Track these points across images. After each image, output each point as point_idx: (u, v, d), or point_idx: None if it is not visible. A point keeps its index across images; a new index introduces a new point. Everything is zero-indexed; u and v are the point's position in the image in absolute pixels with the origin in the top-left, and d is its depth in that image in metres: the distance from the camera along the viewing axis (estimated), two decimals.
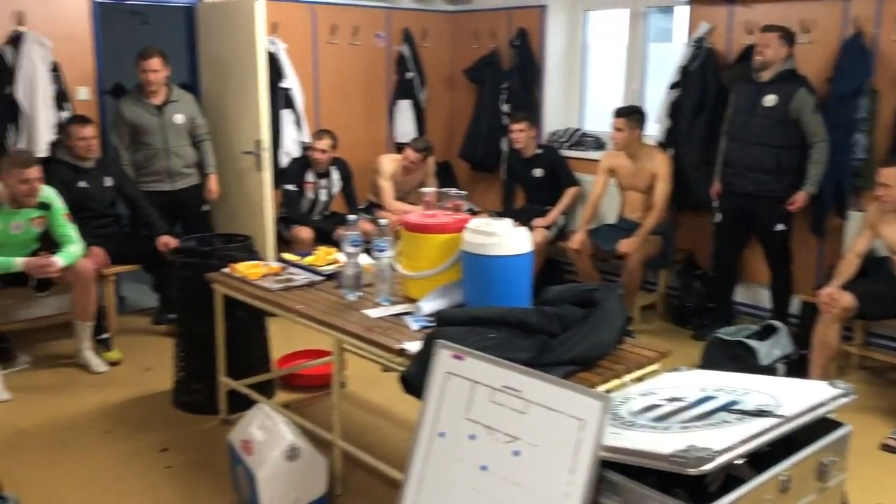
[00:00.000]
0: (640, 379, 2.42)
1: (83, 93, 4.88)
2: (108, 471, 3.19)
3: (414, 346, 2.50)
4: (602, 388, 2.29)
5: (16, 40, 4.52)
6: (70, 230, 4.11)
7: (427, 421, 2.14)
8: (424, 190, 3.34)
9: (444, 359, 2.16)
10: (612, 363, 2.41)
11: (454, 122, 6.58)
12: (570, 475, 1.82)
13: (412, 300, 2.96)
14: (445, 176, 6.27)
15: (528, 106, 5.87)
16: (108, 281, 4.58)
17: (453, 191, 3.17)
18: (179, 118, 4.87)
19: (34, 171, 3.90)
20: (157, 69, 4.71)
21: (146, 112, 4.78)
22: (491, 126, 6.09)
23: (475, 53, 6.28)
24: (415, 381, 2.34)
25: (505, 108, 6.00)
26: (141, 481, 3.10)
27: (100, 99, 5.00)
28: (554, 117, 6.04)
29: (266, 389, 3.75)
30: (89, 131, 4.45)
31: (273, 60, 5.26)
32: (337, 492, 2.96)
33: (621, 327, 2.49)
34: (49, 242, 4.14)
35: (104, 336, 4.43)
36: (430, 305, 2.83)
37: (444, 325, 2.48)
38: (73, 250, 4.06)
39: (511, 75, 5.99)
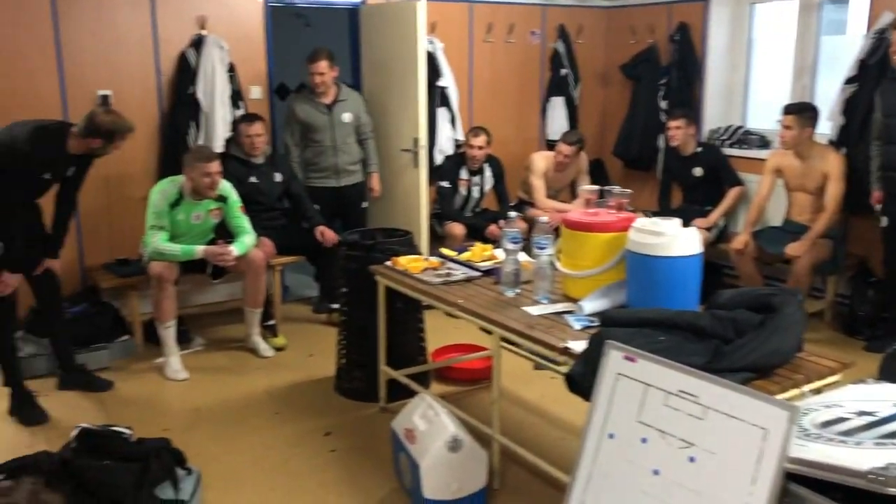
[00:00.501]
0: (818, 390, 2.30)
1: (256, 92, 5.16)
2: (278, 451, 3.37)
3: (578, 346, 2.48)
4: (779, 397, 2.19)
5: (198, 43, 4.84)
6: (244, 222, 4.37)
7: (596, 421, 2.12)
8: (586, 187, 3.30)
9: (615, 360, 2.13)
10: (789, 372, 2.30)
11: (607, 118, 6.48)
12: (752, 486, 1.75)
13: (572, 299, 2.94)
14: (598, 173, 6.19)
15: (687, 102, 5.69)
16: (275, 271, 4.84)
17: (616, 188, 3.12)
18: (347, 117, 5.06)
19: (215, 166, 4.17)
20: (323, 72, 4.91)
21: (317, 111, 5.00)
22: (647, 123, 5.95)
23: (632, 49, 6.15)
24: (580, 380, 2.32)
25: (662, 104, 5.85)
26: (307, 463, 3.26)
27: (270, 98, 5.27)
28: (714, 114, 5.82)
29: (422, 381, 3.83)
30: (256, 129, 4.70)
31: (430, 59, 5.36)
32: (494, 486, 2.99)
33: (801, 335, 2.37)
34: (223, 233, 4.41)
35: (271, 323, 4.68)
36: (591, 305, 2.80)
37: (610, 326, 2.45)
38: (246, 241, 4.31)
39: (669, 71, 5.82)
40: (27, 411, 3.67)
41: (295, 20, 7.31)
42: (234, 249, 4.20)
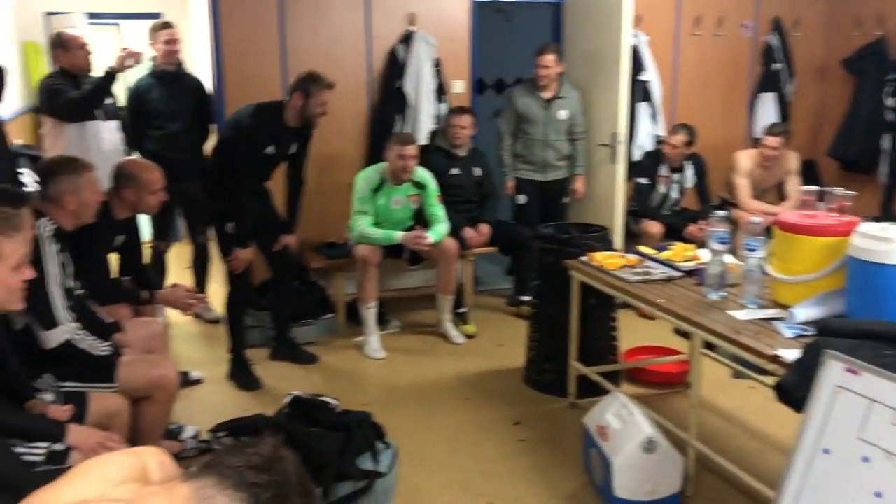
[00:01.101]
0: None
1: (458, 86, 5.30)
2: (469, 435, 3.46)
3: (790, 354, 2.35)
4: None
5: (407, 39, 5.05)
6: (440, 210, 4.52)
7: (810, 435, 2.00)
8: (802, 188, 3.11)
9: (835, 371, 2.00)
10: None
11: (823, 116, 6.05)
12: None
13: (782, 305, 2.78)
14: (810, 175, 5.78)
15: None
16: (467, 261, 4.96)
17: (838, 190, 2.91)
18: (563, 114, 5.07)
19: (411, 150, 4.34)
20: (549, 65, 4.95)
21: (535, 103, 5.05)
22: (870, 122, 5.50)
23: (856, 42, 5.69)
24: (792, 390, 2.20)
25: (890, 101, 5.37)
26: (497, 450, 3.32)
27: (472, 93, 5.40)
28: None
29: (613, 379, 3.78)
30: (464, 121, 4.84)
31: (634, 53, 5.25)
32: (688, 492, 2.90)
33: None
34: (421, 223, 4.57)
35: (462, 310, 4.80)
36: (805, 313, 2.64)
37: (827, 336, 2.30)
38: (441, 229, 4.45)
39: None
40: (244, 377, 4.02)
41: (496, 16, 7.41)
42: (430, 237, 4.35)
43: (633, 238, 5.05)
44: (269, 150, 3.92)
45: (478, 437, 3.44)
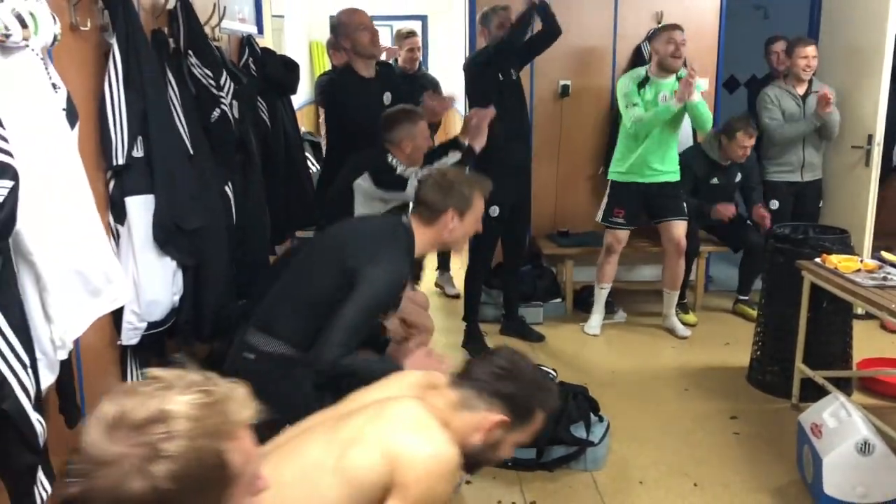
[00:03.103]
0: None
1: (702, 84, 5.28)
2: (682, 422, 3.56)
3: None
4: None
5: (652, 37, 5.13)
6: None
7: None
8: None
9: None
10: None
11: None
12: None
13: None
14: None
15: None
16: (700, 257, 4.99)
17: None
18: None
19: (679, 35, 4.39)
20: (808, 55, 4.78)
21: (790, 100, 4.89)
22: None
23: None
24: None
25: None
26: (709, 439, 3.40)
27: (717, 91, 5.37)
28: None
29: (843, 387, 3.67)
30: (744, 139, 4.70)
31: None
32: None
33: None
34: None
35: (683, 301, 4.90)
36: None
37: None
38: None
39: None
40: (476, 346, 4.40)
41: (754, 12, 7.21)
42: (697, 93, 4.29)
43: None
44: None
45: (692, 425, 3.53)
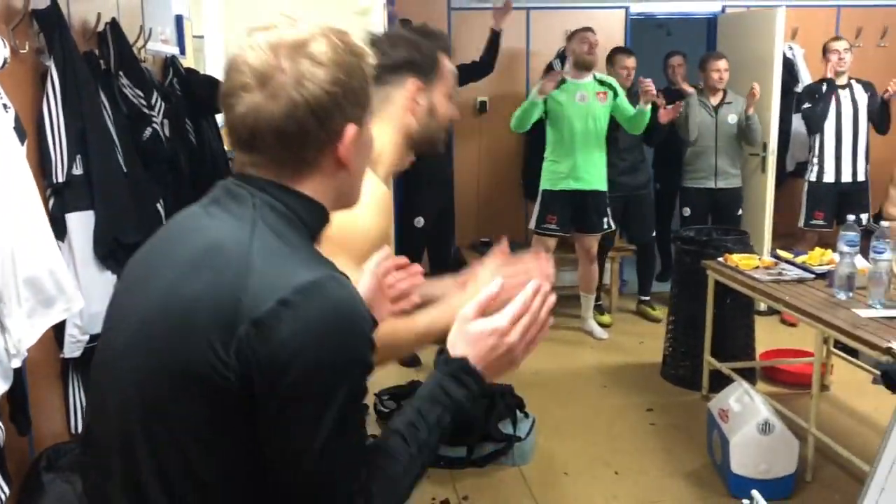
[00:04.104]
0: None
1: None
2: (603, 416, 3.79)
3: None
4: None
5: (562, 56, 5.40)
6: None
7: None
8: None
9: None
10: None
11: None
12: None
13: None
14: None
15: None
16: (613, 261, 5.29)
17: None
18: (732, 118, 5.09)
19: (592, 36, 4.69)
20: (721, 69, 5.03)
21: (703, 110, 5.12)
22: None
23: None
24: None
25: None
26: (628, 430, 3.64)
27: None
28: None
29: (748, 377, 3.95)
30: None
31: (790, 66, 5.35)
32: (807, 478, 3.08)
33: None
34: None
35: (599, 303, 5.17)
36: None
37: None
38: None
39: None
40: (407, 357, 4.52)
41: (656, 30, 7.62)
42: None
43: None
44: None
45: (611, 418, 3.76)
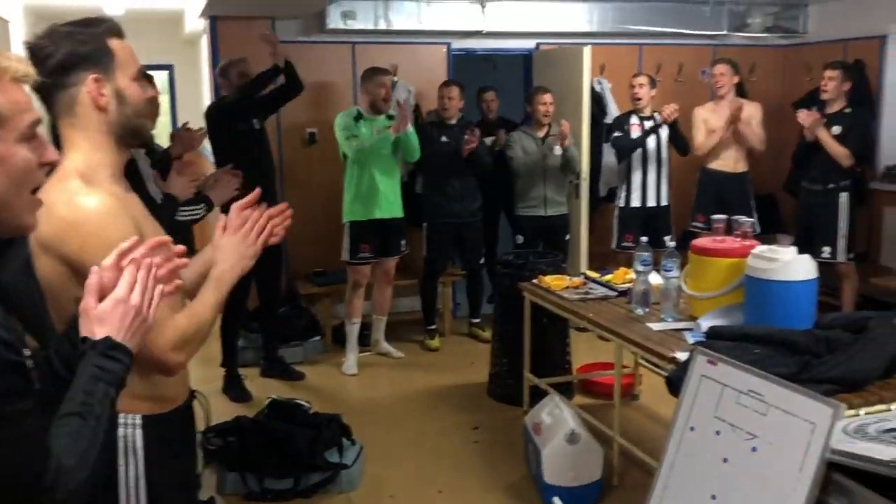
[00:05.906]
0: None
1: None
2: (429, 437, 3.90)
3: (684, 356, 2.78)
4: (863, 410, 2.36)
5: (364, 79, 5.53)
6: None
7: (681, 416, 2.43)
8: (716, 217, 3.53)
9: (701, 364, 2.43)
10: (878, 389, 2.47)
11: (781, 154, 6.49)
12: (800, 472, 2.01)
13: (695, 318, 3.21)
14: (769, 207, 6.23)
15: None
16: (445, 285, 5.45)
17: (743, 219, 3.36)
18: (558, 150, 5.32)
19: (387, 80, 4.86)
20: (547, 102, 5.26)
21: (531, 141, 5.36)
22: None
23: (807, 86, 6.17)
24: (678, 383, 2.63)
25: None
26: (453, 450, 3.77)
27: None
28: (892, 150, 5.72)
29: (565, 391, 4.21)
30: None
31: (598, 98, 5.76)
32: (614, 483, 3.31)
33: (893, 356, 2.52)
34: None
35: (432, 328, 5.32)
36: (708, 323, 3.06)
37: (715, 339, 2.74)
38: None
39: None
40: (236, 391, 4.46)
41: (483, 63, 7.96)
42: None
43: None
44: None
45: (438, 438, 3.87)
